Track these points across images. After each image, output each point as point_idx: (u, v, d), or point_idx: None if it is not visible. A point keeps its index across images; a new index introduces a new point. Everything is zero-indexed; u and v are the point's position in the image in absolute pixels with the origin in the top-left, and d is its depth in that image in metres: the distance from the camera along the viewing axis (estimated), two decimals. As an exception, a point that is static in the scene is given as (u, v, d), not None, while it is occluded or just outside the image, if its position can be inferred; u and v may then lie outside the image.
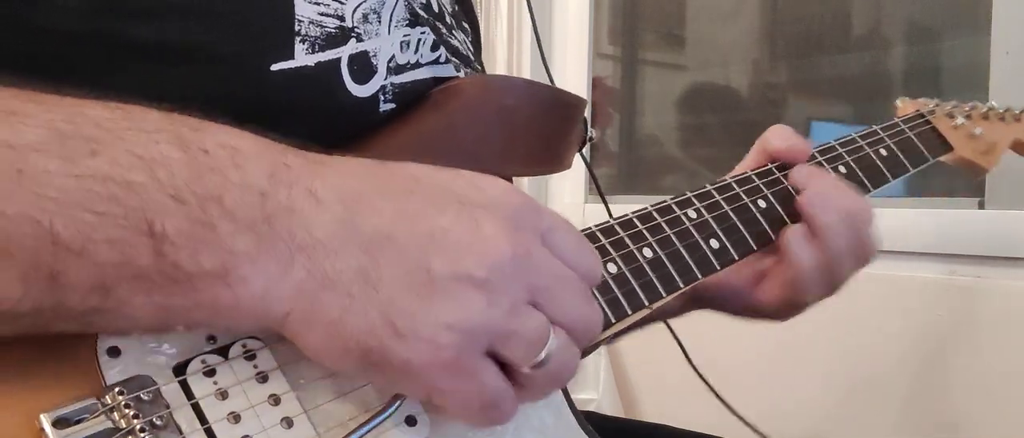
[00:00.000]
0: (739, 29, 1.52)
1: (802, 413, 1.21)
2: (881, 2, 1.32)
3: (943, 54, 1.26)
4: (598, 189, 0.82)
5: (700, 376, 0.93)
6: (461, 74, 0.58)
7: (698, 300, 0.68)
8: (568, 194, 1.67)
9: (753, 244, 0.58)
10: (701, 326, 0.92)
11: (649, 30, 1.73)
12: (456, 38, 0.60)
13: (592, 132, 0.65)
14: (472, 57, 0.63)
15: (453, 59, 0.58)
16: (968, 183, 1.14)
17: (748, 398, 0.98)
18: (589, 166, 0.87)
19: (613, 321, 0.50)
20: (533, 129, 0.58)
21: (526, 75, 1.64)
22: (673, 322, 0.88)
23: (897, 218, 1.15)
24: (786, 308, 0.63)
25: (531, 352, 0.38)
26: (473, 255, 0.36)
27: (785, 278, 0.61)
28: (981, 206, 1.11)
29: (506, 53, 1.65)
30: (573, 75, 1.67)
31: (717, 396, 0.95)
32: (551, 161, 0.60)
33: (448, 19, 0.60)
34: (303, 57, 0.46)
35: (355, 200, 0.37)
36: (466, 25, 0.64)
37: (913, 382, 1.10)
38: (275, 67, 0.45)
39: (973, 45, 1.16)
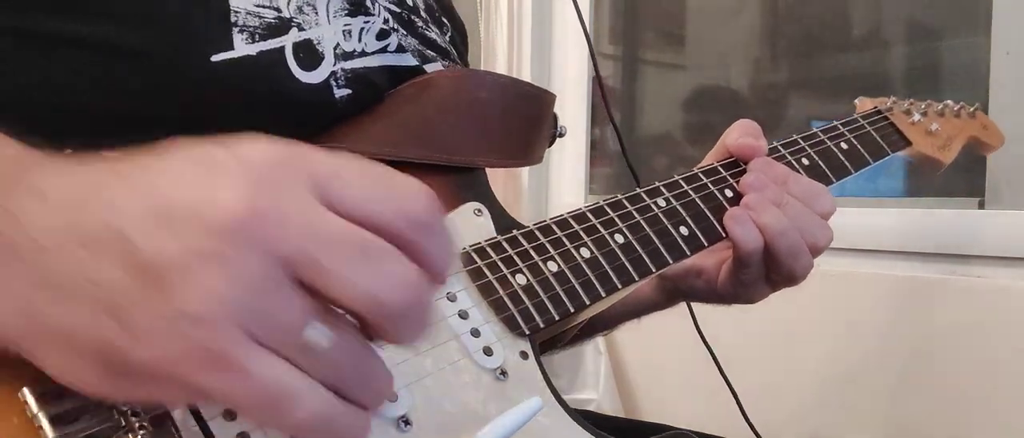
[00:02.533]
0: (739, 29, 1.52)
1: (801, 412, 1.21)
2: (881, 2, 1.32)
3: (943, 54, 1.26)
4: (634, 176, 0.81)
5: (726, 380, 0.93)
6: (430, 67, 0.59)
7: (677, 293, 0.70)
8: (568, 193, 1.67)
9: (722, 231, 0.60)
10: (704, 325, 0.93)
11: (649, 30, 1.73)
12: (433, 31, 0.61)
13: (562, 128, 0.66)
14: (451, 51, 0.63)
15: (420, 51, 0.59)
16: (968, 183, 1.14)
17: (746, 398, 0.98)
18: (626, 154, 0.85)
19: (587, 304, 0.52)
20: (505, 122, 0.59)
21: (526, 75, 1.64)
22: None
23: (897, 218, 1.15)
24: (740, 290, 0.64)
25: (287, 334, 0.31)
26: (202, 225, 0.30)
27: (730, 260, 0.62)
28: (981, 206, 1.11)
29: (506, 53, 1.65)
30: (573, 75, 1.67)
31: (738, 403, 0.95)
32: (522, 153, 0.61)
33: (423, 13, 0.61)
34: (243, 47, 0.47)
35: (85, 191, 0.32)
36: (447, 22, 0.65)
37: (912, 382, 1.10)
38: (215, 58, 0.46)
39: (973, 45, 1.16)
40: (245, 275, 0.30)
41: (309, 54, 0.50)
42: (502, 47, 1.66)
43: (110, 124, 0.44)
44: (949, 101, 0.85)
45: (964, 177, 1.15)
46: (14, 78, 0.43)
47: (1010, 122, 1.03)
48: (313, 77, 0.50)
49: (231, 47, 0.46)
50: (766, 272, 0.61)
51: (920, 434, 1.09)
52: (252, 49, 0.47)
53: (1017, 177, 1.07)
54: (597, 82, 0.87)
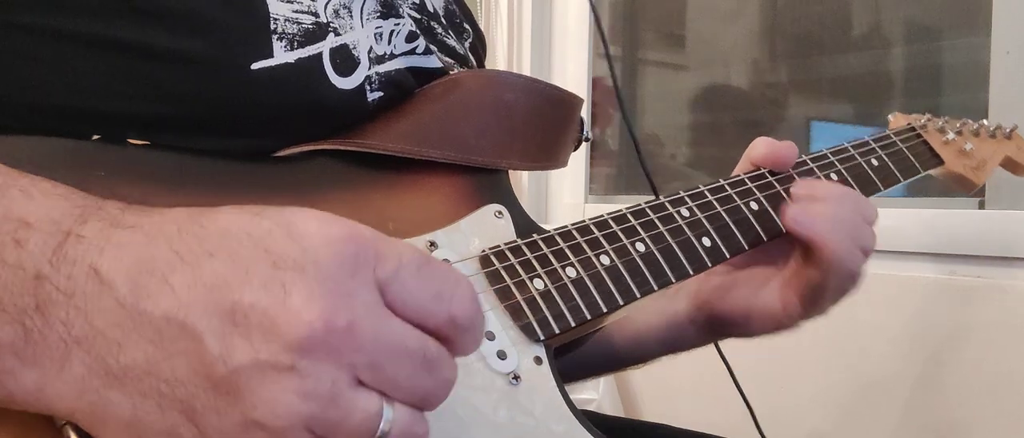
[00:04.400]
0: (739, 29, 1.52)
1: (802, 413, 1.21)
2: (881, 2, 1.32)
3: (943, 54, 1.26)
4: (652, 185, 0.81)
5: (733, 378, 0.93)
6: (454, 71, 0.59)
7: (718, 330, 0.68)
8: (568, 194, 1.67)
9: (744, 244, 0.59)
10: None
11: (649, 30, 1.73)
12: (451, 38, 0.61)
13: (588, 132, 0.65)
14: (471, 58, 0.63)
15: (444, 57, 0.58)
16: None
17: (747, 398, 0.98)
18: (643, 164, 0.85)
19: (604, 311, 0.51)
20: (530, 125, 0.58)
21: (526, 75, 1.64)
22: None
23: (897, 218, 1.15)
24: (808, 310, 0.63)
25: (354, 434, 0.32)
26: (278, 337, 0.30)
27: (805, 280, 0.61)
28: (981, 206, 1.11)
29: (506, 53, 1.65)
30: (573, 75, 1.67)
31: (745, 402, 0.95)
32: (547, 157, 0.61)
33: (443, 20, 0.61)
34: (282, 54, 0.47)
35: (146, 275, 0.31)
36: (468, 28, 0.65)
37: (913, 382, 1.10)
38: (255, 66, 0.45)
39: (973, 45, 1.16)
40: (319, 388, 0.31)
41: (345, 59, 0.50)
42: (502, 47, 1.66)
43: (146, 128, 0.44)
44: (985, 121, 0.84)
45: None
46: (49, 77, 0.42)
47: (1010, 122, 1.04)
48: (349, 83, 0.50)
49: (271, 55, 0.46)
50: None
51: (918, 433, 1.10)
52: (291, 56, 0.47)
53: (1018, 177, 1.07)
54: (614, 86, 0.86)
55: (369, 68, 0.51)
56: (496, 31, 1.67)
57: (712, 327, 0.68)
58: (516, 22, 1.66)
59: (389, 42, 0.54)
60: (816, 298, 0.61)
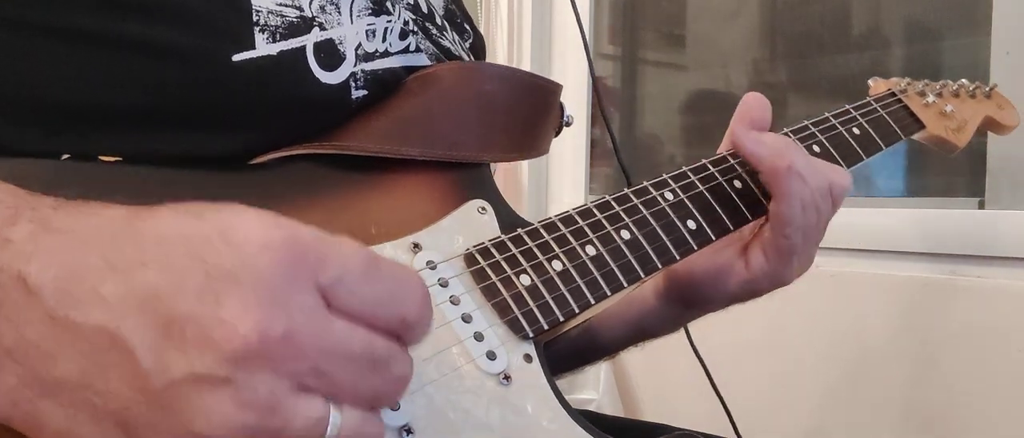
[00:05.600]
0: (739, 29, 1.52)
1: (801, 413, 1.21)
2: (881, 2, 1.32)
3: (943, 54, 1.25)
4: (626, 176, 0.80)
5: (715, 389, 0.93)
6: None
7: (684, 299, 0.67)
8: (568, 193, 1.67)
9: (730, 224, 0.59)
10: (701, 325, 0.93)
11: (649, 30, 1.73)
12: (447, 38, 0.60)
13: (569, 117, 0.65)
14: (467, 58, 0.63)
15: (435, 54, 0.58)
16: (968, 183, 1.13)
17: (746, 398, 0.98)
18: (619, 155, 0.83)
19: (592, 303, 0.51)
20: (511, 114, 0.58)
21: (526, 75, 1.64)
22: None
23: (898, 218, 1.15)
24: (780, 264, 0.61)
25: None
26: (213, 350, 0.29)
27: (769, 234, 0.60)
28: (981, 206, 1.11)
29: (506, 54, 1.65)
30: (573, 75, 1.67)
31: (721, 401, 0.95)
32: (529, 146, 0.60)
33: (438, 20, 0.60)
34: (264, 46, 0.46)
35: (76, 284, 0.30)
36: (469, 29, 0.64)
37: (913, 382, 1.10)
38: (236, 58, 0.45)
39: (973, 45, 1.16)
40: (256, 398, 0.30)
41: (330, 54, 0.49)
42: (502, 47, 1.66)
43: (125, 123, 0.44)
44: (964, 80, 0.82)
45: (964, 177, 1.15)
46: (26, 71, 0.42)
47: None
48: (333, 78, 0.49)
49: (252, 46, 0.46)
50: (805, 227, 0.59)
51: (917, 433, 1.09)
52: (273, 49, 0.46)
53: (1017, 177, 1.06)
54: (593, 82, 0.85)
55: (355, 64, 0.51)
56: (496, 31, 1.67)
57: (676, 295, 0.66)
58: (516, 22, 1.66)
59: (383, 40, 0.53)
60: (788, 251, 0.59)
